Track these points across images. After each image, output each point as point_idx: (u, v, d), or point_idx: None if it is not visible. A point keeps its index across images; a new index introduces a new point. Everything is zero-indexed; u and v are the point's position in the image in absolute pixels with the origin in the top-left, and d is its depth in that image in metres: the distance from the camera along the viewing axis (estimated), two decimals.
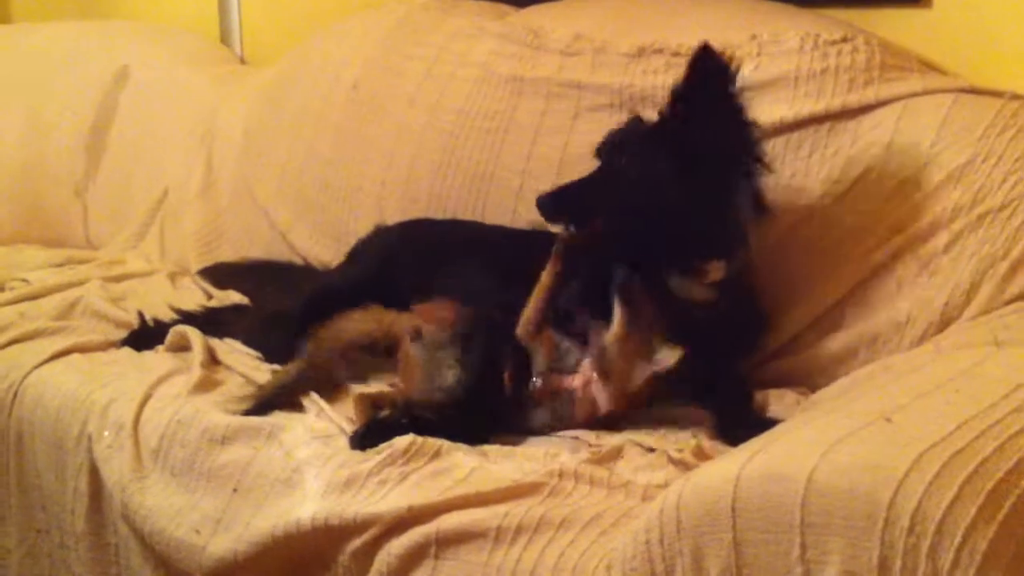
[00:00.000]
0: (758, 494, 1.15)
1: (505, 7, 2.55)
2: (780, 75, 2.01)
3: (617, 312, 1.70)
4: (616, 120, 2.11)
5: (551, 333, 1.78)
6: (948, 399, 1.30)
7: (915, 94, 1.94)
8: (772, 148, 1.97)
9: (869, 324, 1.85)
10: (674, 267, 1.78)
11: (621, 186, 1.79)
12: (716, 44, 2.07)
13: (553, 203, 1.79)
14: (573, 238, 1.80)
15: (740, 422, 1.65)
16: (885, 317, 1.83)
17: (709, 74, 1.75)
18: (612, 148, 1.84)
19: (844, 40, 2.00)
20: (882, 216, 1.87)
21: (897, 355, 1.75)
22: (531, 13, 2.45)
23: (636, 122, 1.86)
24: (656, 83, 2.12)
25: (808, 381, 1.87)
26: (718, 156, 1.75)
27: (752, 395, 1.81)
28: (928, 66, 2.03)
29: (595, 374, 1.73)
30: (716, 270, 1.78)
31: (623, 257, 1.75)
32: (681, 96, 1.77)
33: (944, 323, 1.78)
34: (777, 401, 1.84)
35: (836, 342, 1.88)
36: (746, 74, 2.03)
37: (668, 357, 1.68)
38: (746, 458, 1.19)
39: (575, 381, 1.74)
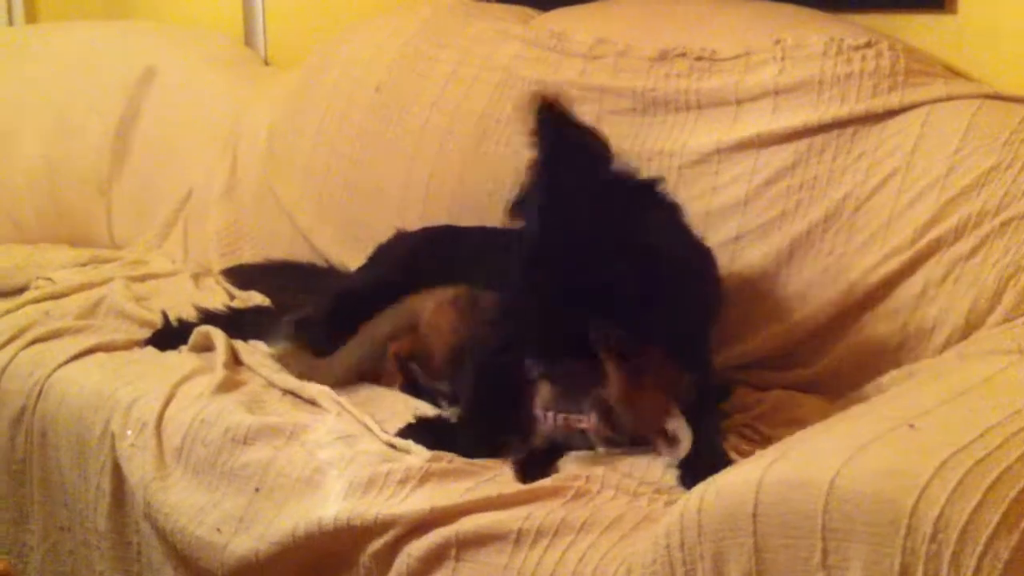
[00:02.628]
0: (780, 499, 1.15)
1: (529, 11, 2.55)
2: (805, 79, 2.01)
3: (610, 369, 1.63)
4: (640, 123, 2.13)
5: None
6: (972, 406, 1.30)
7: (940, 100, 1.93)
8: (795, 152, 1.98)
9: (895, 330, 1.85)
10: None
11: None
12: (739, 47, 2.10)
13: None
14: None
15: (699, 460, 1.60)
16: (911, 323, 1.83)
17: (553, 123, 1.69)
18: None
19: (868, 45, 2.00)
20: (906, 221, 1.87)
21: (921, 362, 1.75)
22: (554, 17, 2.46)
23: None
24: (679, 87, 2.13)
25: (833, 388, 1.87)
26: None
27: (718, 426, 1.74)
28: (953, 72, 2.03)
29: (603, 425, 1.66)
30: None
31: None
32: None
33: (968, 330, 1.77)
34: (800, 407, 1.83)
35: (862, 348, 1.88)
36: (769, 78, 2.04)
37: (682, 440, 1.62)
38: (768, 463, 1.19)
39: (584, 423, 1.68)
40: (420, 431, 1.73)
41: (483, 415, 1.75)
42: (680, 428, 1.63)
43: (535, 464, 1.61)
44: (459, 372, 1.87)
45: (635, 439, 1.66)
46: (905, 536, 1.08)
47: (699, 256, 1.86)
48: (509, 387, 1.72)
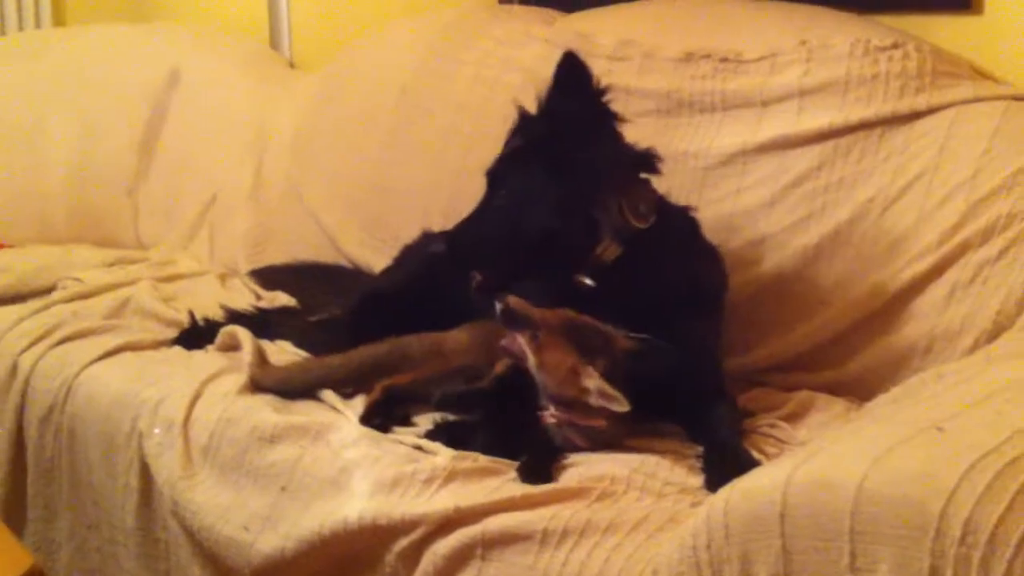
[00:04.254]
0: (807, 501, 1.15)
1: (553, 12, 2.55)
2: (830, 80, 2.00)
3: (521, 341, 1.66)
4: (664, 124, 2.13)
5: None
6: (1000, 409, 1.29)
7: (967, 101, 1.93)
8: (821, 153, 1.98)
9: (922, 332, 1.84)
10: (575, 269, 1.76)
11: (504, 219, 1.78)
12: (764, 49, 2.09)
13: (452, 255, 1.83)
14: (485, 280, 1.80)
15: (724, 462, 1.59)
16: (939, 326, 1.83)
17: (573, 81, 1.76)
18: (492, 179, 1.83)
19: (895, 46, 1.99)
20: (933, 223, 1.86)
21: (949, 364, 1.74)
22: (579, 18, 2.46)
23: (515, 140, 1.85)
24: (704, 88, 2.12)
25: (860, 390, 1.86)
26: (587, 157, 1.74)
27: (740, 428, 1.75)
28: (980, 73, 2.02)
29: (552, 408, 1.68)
30: (609, 250, 1.76)
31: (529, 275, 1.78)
32: (548, 106, 1.78)
33: (996, 332, 1.76)
34: (826, 409, 1.83)
35: (889, 350, 1.87)
36: (795, 79, 2.04)
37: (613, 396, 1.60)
38: (796, 464, 1.19)
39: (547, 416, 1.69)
40: (445, 432, 1.73)
41: (502, 418, 1.75)
42: (598, 384, 1.61)
43: (536, 467, 1.60)
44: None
45: (562, 401, 1.66)
46: (934, 539, 1.07)
47: (699, 247, 1.87)
48: (527, 391, 1.73)
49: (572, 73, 1.76)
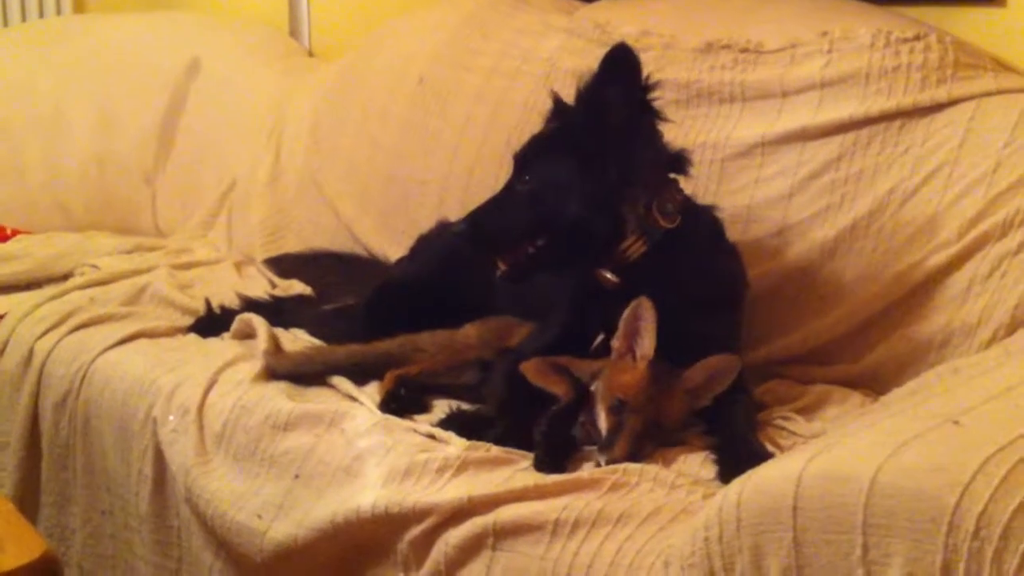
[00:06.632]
0: (820, 493, 1.14)
1: (573, 2, 2.54)
2: (851, 72, 1.99)
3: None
4: (683, 115, 2.12)
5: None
6: (1016, 403, 1.28)
7: (988, 94, 1.91)
8: (841, 145, 1.96)
9: (940, 326, 1.83)
10: (599, 263, 1.76)
11: (529, 204, 1.76)
12: (785, 40, 2.08)
13: (472, 236, 1.80)
14: (504, 264, 1.79)
15: (738, 454, 1.58)
16: (957, 319, 1.81)
17: (621, 72, 1.73)
18: (520, 163, 1.81)
19: (917, 38, 1.97)
20: (952, 215, 1.85)
21: (966, 358, 1.73)
22: (598, 8, 2.45)
23: (548, 125, 1.84)
24: (724, 79, 2.11)
25: (876, 383, 1.85)
26: (623, 153, 1.72)
27: (755, 420, 1.73)
28: (1002, 66, 2.00)
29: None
30: (634, 248, 1.75)
31: (553, 266, 1.77)
32: (590, 95, 1.75)
33: (1014, 326, 1.75)
34: (843, 402, 1.82)
35: (907, 343, 1.86)
36: (815, 70, 2.02)
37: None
38: (809, 457, 1.18)
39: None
40: (457, 422, 1.73)
41: (514, 409, 1.74)
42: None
43: (551, 457, 1.59)
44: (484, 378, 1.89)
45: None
46: (947, 533, 1.06)
47: (723, 248, 1.86)
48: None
49: (622, 65, 1.73)
